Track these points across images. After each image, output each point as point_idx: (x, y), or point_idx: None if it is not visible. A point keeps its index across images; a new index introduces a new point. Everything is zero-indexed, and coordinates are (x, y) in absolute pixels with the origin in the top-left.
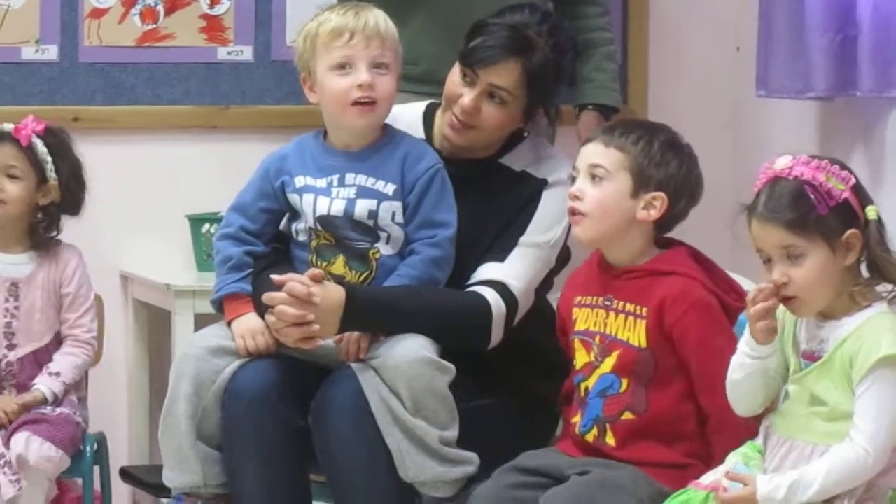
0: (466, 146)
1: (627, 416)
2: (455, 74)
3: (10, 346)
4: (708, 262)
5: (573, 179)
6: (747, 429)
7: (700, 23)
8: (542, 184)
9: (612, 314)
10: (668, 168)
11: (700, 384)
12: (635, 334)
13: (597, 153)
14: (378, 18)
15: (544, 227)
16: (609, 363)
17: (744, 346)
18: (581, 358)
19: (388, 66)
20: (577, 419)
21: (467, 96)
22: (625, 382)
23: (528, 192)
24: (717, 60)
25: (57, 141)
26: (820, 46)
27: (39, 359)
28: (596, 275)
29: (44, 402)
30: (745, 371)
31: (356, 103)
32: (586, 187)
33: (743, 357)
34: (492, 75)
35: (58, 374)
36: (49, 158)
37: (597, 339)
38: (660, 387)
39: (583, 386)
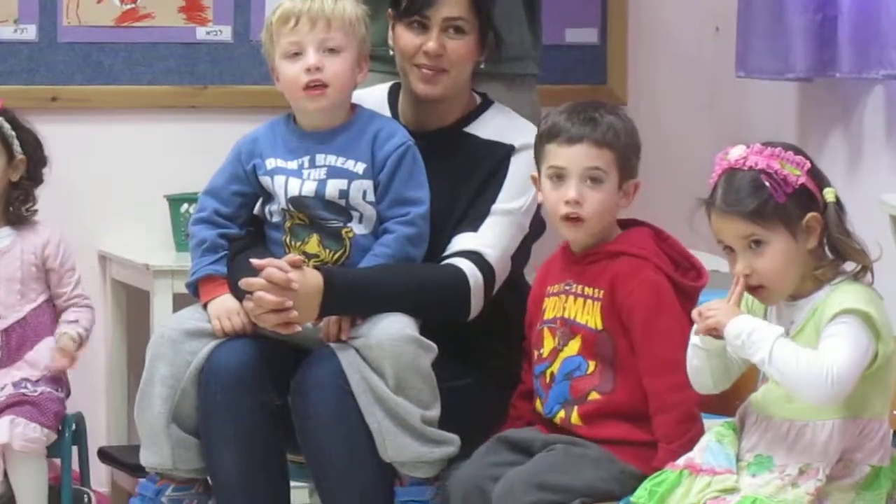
0: (443, 94)
1: (594, 396)
2: (404, 34)
3: None
4: (668, 241)
5: (557, 179)
6: (690, 412)
7: (679, 2)
8: (510, 150)
9: (570, 298)
10: (638, 153)
11: (644, 365)
12: (593, 317)
13: (591, 155)
14: (325, 1)
15: (515, 193)
16: (574, 346)
17: (694, 338)
18: (548, 345)
19: (340, 48)
20: (539, 406)
21: (429, 41)
22: (592, 364)
23: (496, 159)
24: (697, 41)
25: (13, 117)
26: (799, 27)
27: (23, 328)
28: (561, 262)
29: (73, 342)
30: (699, 359)
31: (306, 87)
32: (585, 191)
33: (695, 348)
34: (442, 9)
35: (76, 321)
36: (14, 134)
37: (559, 323)
38: (625, 367)
39: (547, 372)
